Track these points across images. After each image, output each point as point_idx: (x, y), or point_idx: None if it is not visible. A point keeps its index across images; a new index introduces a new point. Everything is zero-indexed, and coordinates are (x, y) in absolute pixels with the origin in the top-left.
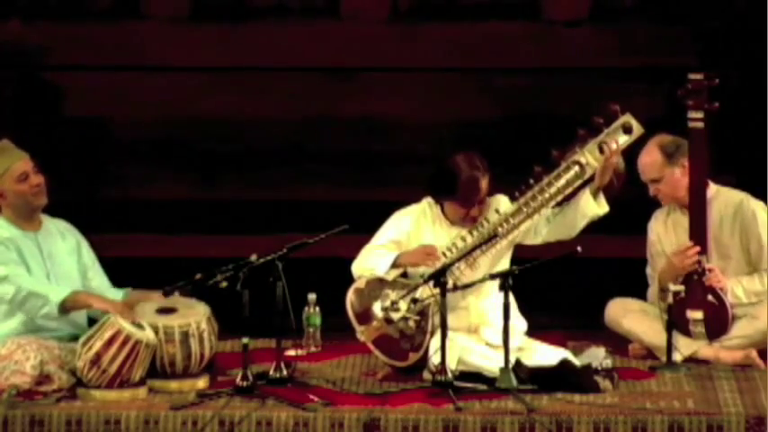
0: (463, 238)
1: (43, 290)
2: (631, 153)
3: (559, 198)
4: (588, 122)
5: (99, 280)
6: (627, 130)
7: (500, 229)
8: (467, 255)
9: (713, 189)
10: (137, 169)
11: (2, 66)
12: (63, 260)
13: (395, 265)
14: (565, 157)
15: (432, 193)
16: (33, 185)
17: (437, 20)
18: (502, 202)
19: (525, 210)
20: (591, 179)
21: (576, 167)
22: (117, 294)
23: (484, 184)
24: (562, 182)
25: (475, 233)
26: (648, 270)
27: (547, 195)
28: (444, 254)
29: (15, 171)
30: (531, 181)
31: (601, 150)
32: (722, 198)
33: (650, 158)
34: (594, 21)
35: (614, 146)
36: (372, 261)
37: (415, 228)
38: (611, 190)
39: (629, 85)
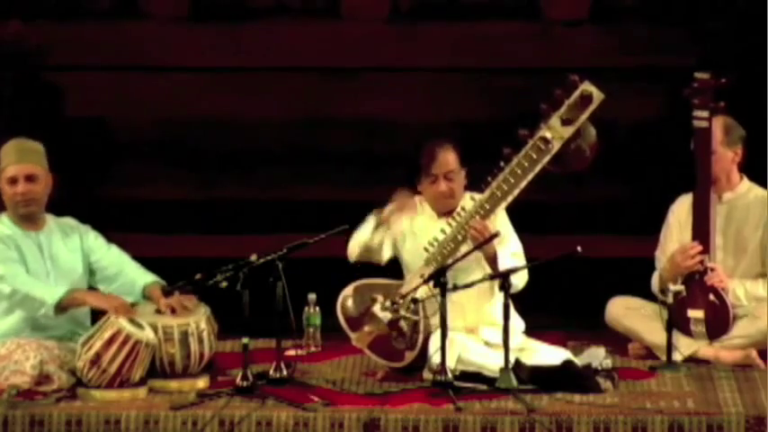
0: (443, 230)
1: (39, 292)
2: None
3: (530, 176)
4: (550, 98)
5: (123, 267)
6: (586, 98)
7: (477, 215)
8: (466, 255)
9: (746, 184)
10: (136, 169)
11: (2, 66)
12: (65, 260)
13: (377, 226)
14: (532, 135)
15: (408, 178)
16: (18, 194)
17: (437, 20)
18: (477, 196)
19: (498, 193)
20: (560, 153)
21: (542, 143)
22: (150, 278)
23: (443, 155)
24: (530, 159)
25: (453, 223)
26: (658, 252)
27: (517, 174)
28: (426, 249)
29: (6, 173)
30: (502, 164)
31: (564, 122)
32: (753, 194)
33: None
34: (594, 21)
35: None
36: (356, 235)
37: (405, 218)
38: (584, 161)
39: (629, 85)
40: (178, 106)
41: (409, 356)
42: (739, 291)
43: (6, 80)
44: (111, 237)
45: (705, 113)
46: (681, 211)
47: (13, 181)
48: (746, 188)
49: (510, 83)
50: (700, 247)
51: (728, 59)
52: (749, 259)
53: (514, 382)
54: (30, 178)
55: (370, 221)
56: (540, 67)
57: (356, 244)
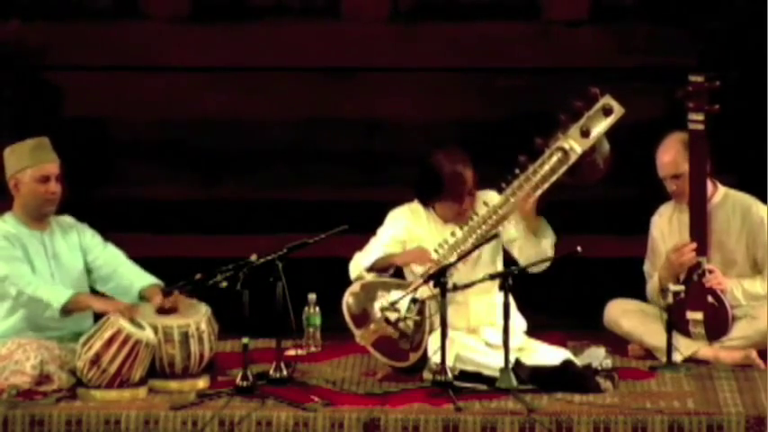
0: (453, 233)
1: (45, 294)
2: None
3: (545, 186)
4: (570, 108)
5: (118, 266)
6: (607, 111)
7: (490, 220)
8: (466, 255)
9: (721, 192)
10: (136, 169)
11: (2, 66)
12: (67, 259)
13: (389, 263)
14: (548, 144)
15: (420, 197)
16: (49, 192)
17: (437, 20)
18: (490, 196)
19: (513, 199)
20: (575, 164)
21: (560, 153)
22: (147, 280)
23: (469, 175)
24: (546, 169)
25: (465, 227)
26: (646, 267)
27: (533, 183)
28: (436, 250)
29: (40, 171)
30: (517, 171)
31: (582, 134)
32: (730, 202)
33: (672, 154)
34: (594, 21)
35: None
36: (360, 261)
37: (412, 223)
38: (598, 174)
39: (629, 85)
40: (178, 106)
41: (413, 357)
42: (737, 291)
43: (6, 80)
44: (110, 237)
45: (701, 116)
46: (662, 222)
47: (46, 179)
48: (722, 196)
49: (510, 83)
50: (694, 245)
51: (728, 59)
52: (739, 269)
53: (514, 382)
54: (58, 178)
55: (376, 251)
56: (540, 67)
57: (357, 269)
